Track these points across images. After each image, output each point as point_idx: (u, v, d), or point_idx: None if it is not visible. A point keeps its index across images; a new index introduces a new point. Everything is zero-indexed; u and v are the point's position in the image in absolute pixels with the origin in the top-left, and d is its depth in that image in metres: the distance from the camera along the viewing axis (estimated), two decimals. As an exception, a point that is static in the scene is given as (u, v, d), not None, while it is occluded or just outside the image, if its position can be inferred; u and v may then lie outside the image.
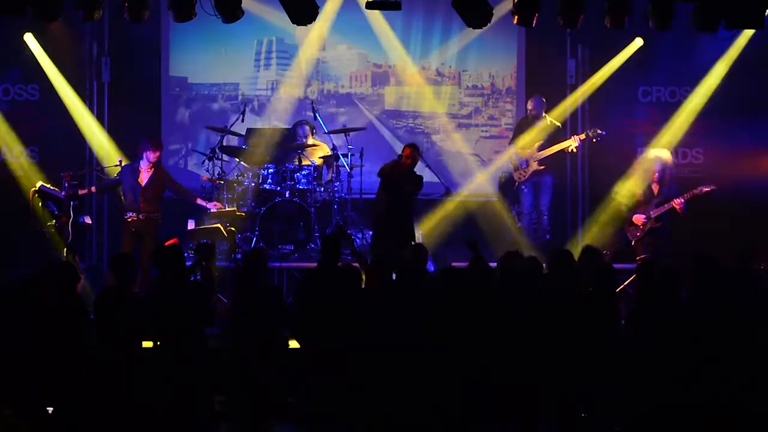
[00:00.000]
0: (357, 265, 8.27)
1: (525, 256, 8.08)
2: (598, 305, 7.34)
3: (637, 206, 11.10)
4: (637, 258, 10.73)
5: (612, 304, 7.48)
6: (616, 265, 10.63)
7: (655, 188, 11.11)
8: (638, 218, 11.04)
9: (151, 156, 10.65)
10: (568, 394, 7.06)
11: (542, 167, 12.00)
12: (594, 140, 11.90)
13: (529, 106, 12.16)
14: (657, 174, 11.10)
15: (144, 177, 10.71)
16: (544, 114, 12.12)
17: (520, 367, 7.04)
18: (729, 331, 7.04)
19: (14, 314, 7.33)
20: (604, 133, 11.84)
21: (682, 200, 10.85)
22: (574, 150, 11.98)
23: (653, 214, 10.99)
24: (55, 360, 7.19)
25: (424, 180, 11.32)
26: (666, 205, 10.95)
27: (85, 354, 7.27)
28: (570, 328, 7.15)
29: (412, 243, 10.21)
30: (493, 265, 7.95)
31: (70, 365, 7.19)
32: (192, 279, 7.83)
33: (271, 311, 7.56)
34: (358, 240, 11.78)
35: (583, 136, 11.97)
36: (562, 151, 12.05)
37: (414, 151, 10.67)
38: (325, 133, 12.27)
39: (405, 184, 10.58)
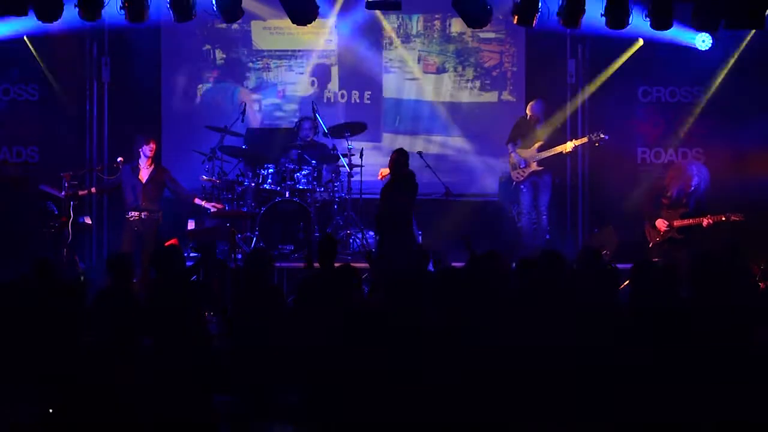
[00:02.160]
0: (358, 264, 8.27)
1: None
2: (596, 305, 7.34)
3: (660, 209, 10.97)
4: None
5: (611, 303, 7.47)
6: (618, 266, 10.67)
7: (684, 197, 10.96)
8: (661, 223, 10.88)
9: (147, 150, 10.68)
10: (567, 394, 7.05)
11: (541, 168, 11.98)
12: (596, 144, 11.85)
13: (529, 110, 12.13)
14: (693, 186, 10.96)
15: (144, 174, 10.74)
16: (544, 116, 12.10)
17: (520, 366, 7.03)
18: (727, 331, 7.03)
19: (12, 313, 7.34)
20: (607, 137, 11.75)
21: (712, 221, 10.70)
22: (569, 150, 11.94)
23: (676, 224, 10.85)
24: (54, 360, 7.19)
25: (426, 180, 11.36)
26: (691, 220, 10.80)
27: (85, 354, 7.28)
28: (569, 328, 7.15)
29: (414, 247, 10.14)
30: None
31: (69, 365, 7.19)
32: (194, 279, 7.83)
33: (272, 311, 7.56)
34: (357, 240, 11.79)
35: (585, 140, 11.93)
36: (561, 153, 12.03)
37: (397, 156, 10.48)
38: (325, 133, 12.28)
39: (393, 187, 10.44)
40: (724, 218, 10.70)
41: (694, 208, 10.86)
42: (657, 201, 11.11)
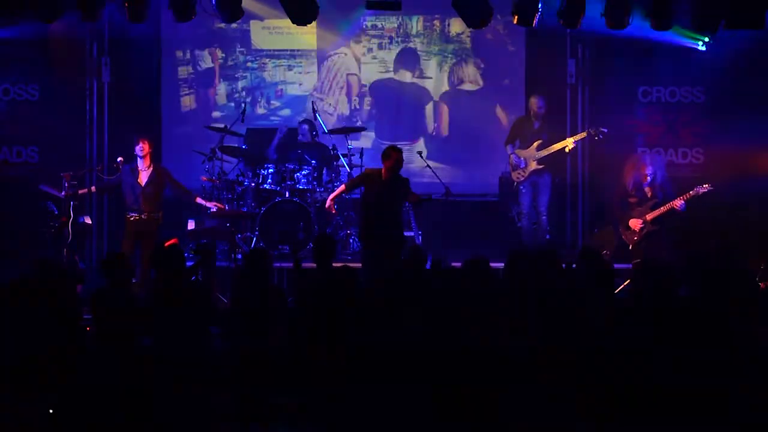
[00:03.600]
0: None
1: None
2: (596, 305, 7.33)
3: (630, 209, 10.98)
4: (633, 261, 10.58)
5: (610, 304, 7.47)
6: (617, 266, 10.67)
7: (648, 191, 10.98)
8: (635, 222, 10.88)
9: (138, 150, 10.66)
10: (567, 394, 7.06)
11: (541, 167, 11.96)
12: (596, 138, 11.83)
13: (529, 106, 12.13)
14: (649, 177, 10.98)
15: (143, 176, 10.73)
16: (543, 114, 12.09)
17: (520, 366, 7.03)
18: (727, 331, 7.03)
19: (11, 313, 7.35)
20: (606, 131, 11.74)
21: (682, 201, 10.70)
22: (571, 147, 11.91)
23: (649, 217, 10.84)
24: (54, 360, 7.19)
25: (426, 180, 11.34)
26: (662, 208, 10.79)
27: (84, 354, 7.28)
28: (568, 329, 7.15)
29: (403, 248, 10.01)
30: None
31: (69, 365, 7.19)
32: (193, 279, 7.83)
33: (271, 311, 7.56)
34: (357, 240, 11.79)
35: (584, 135, 11.93)
36: (562, 151, 12.01)
37: (398, 154, 10.16)
38: (325, 133, 12.28)
39: (393, 189, 10.17)
40: (692, 193, 10.68)
41: (662, 198, 10.86)
42: (624, 203, 11.08)
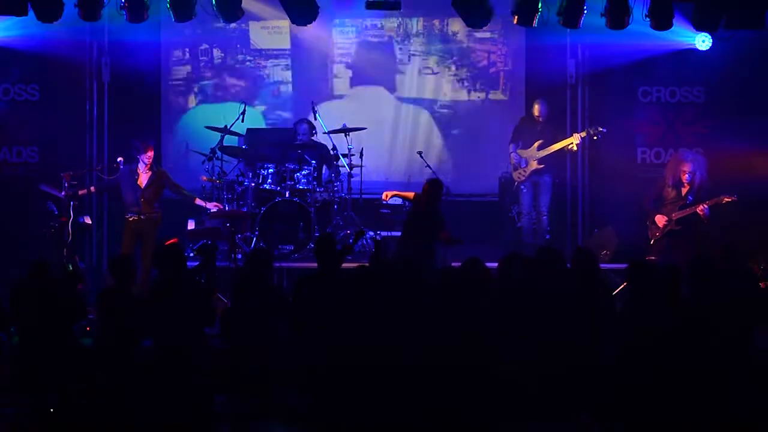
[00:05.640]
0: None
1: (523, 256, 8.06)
2: (591, 305, 7.33)
3: (662, 205, 11.14)
4: (647, 258, 10.62)
5: (605, 303, 7.46)
6: (617, 266, 10.70)
7: (684, 190, 11.12)
8: (660, 218, 11.09)
9: (145, 158, 10.67)
10: (566, 394, 7.06)
11: (541, 166, 11.99)
12: (594, 137, 11.91)
13: (534, 110, 12.12)
14: (687, 176, 11.10)
15: (143, 179, 10.72)
16: (546, 116, 12.10)
17: (519, 367, 7.03)
18: (726, 332, 7.04)
19: (14, 313, 7.36)
20: (604, 130, 11.85)
21: (706, 207, 10.85)
22: (575, 148, 11.95)
23: (675, 216, 11.00)
24: (55, 360, 7.20)
25: (424, 180, 11.32)
26: (688, 210, 10.95)
27: (86, 354, 7.28)
28: (567, 328, 7.15)
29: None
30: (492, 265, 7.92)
31: (70, 365, 7.19)
32: (196, 279, 7.83)
33: (272, 311, 7.56)
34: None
35: (583, 134, 11.98)
36: (562, 152, 12.03)
37: (432, 187, 10.28)
38: (325, 133, 12.28)
39: (426, 218, 10.23)
40: (716, 200, 10.87)
41: (692, 201, 11.00)
42: (659, 198, 11.25)
